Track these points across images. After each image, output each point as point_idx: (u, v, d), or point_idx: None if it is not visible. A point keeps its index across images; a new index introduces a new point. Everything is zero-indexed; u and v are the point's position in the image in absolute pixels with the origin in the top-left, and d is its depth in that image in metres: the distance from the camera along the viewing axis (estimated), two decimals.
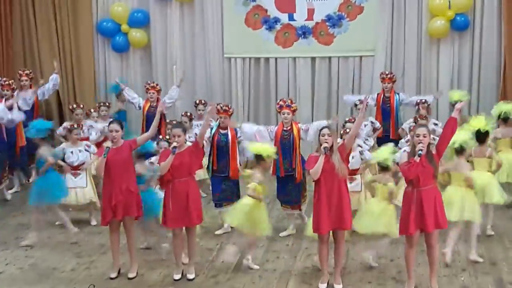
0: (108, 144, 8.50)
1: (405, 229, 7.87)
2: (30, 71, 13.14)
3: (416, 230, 7.79)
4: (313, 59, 14.24)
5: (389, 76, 12.64)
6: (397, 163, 8.44)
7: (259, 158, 9.06)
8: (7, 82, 12.16)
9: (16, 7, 14.71)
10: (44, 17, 14.73)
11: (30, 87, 12.82)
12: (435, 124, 11.54)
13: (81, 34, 14.78)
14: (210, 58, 14.57)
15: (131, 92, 12.96)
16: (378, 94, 12.75)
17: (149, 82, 13.03)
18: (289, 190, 10.18)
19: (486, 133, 9.64)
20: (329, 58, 14.20)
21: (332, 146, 7.92)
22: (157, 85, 12.77)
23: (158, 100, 12.51)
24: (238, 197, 9.95)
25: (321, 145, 7.93)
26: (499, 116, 10.68)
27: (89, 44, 14.86)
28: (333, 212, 7.95)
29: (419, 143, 7.67)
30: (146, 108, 12.50)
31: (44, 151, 9.89)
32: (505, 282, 8.37)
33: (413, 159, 7.65)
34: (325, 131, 8.00)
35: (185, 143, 8.49)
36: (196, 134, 11.55)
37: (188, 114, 11.82)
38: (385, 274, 8.69)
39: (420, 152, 7.60)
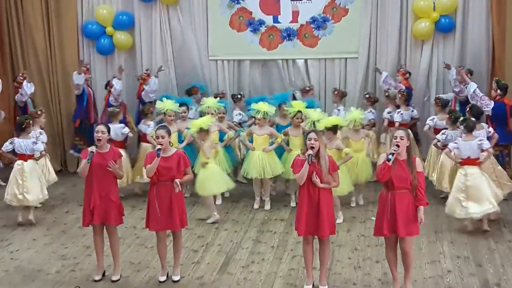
0: (92, 148, 8.37)
1: (379, 230, 7.90)
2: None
3: (390, 233, 7.80)
4: (305, 60, 14.29)
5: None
6: None
7: None
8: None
9: (1, 9, 14.61)
10: (29, 20, 14.63)
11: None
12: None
13: (66, 37, 14.70)
14: (195, 60, 14.54)
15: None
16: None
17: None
18: None
19: None
20: (319, 59, 14.20)
21: (319, 150, 7.88)
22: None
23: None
24: None
25: (307, 149, 7.90)
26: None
27: (74, 46, 14.78)
28: (312, 217, 7.93)
29: (395, 145, 7.69)
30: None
31: None
32: (491, 283, 8.41)
33: (385, 161, 7.69)
34: (312, 135, 7.90)
35: None
36: None
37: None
38: (370, 276, 8.71)
39: (389, 156, 7.62)
